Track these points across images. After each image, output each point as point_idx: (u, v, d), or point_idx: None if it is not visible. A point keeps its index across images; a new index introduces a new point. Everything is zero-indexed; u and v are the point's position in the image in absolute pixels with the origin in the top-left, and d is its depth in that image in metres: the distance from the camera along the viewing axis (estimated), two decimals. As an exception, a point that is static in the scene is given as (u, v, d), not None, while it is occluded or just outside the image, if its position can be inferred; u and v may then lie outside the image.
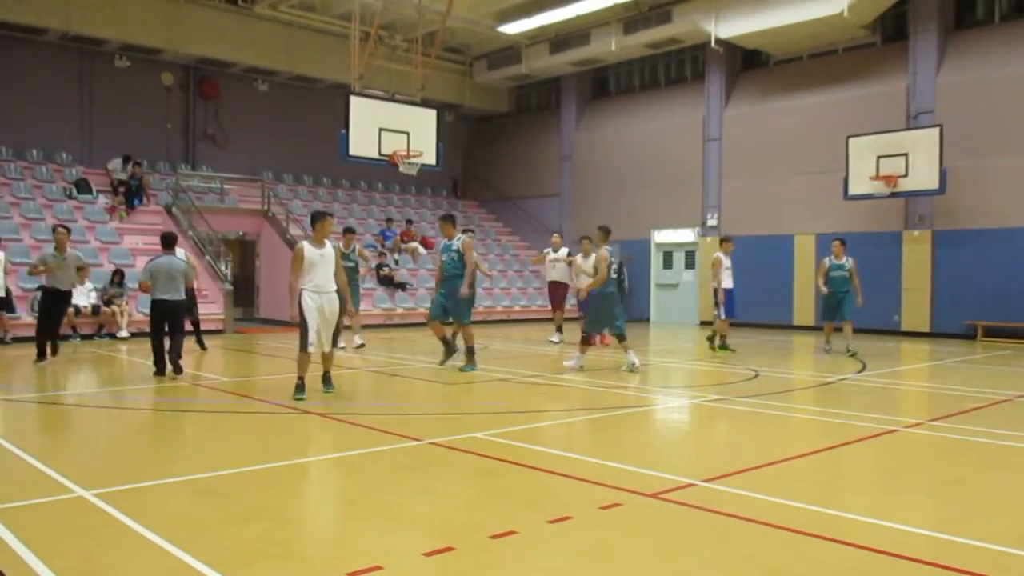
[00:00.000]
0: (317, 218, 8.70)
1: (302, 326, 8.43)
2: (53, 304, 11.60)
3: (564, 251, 16.08)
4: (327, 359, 8.91)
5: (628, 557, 3.89)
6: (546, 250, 16.29)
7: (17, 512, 4.49)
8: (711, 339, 14.09)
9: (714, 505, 4.67)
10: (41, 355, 11.50)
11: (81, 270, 10.02)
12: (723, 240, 14.41)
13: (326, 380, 8.93)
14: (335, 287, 8.70)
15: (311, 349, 8.46)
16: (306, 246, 8.58)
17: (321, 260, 8.54)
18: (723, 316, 13.81)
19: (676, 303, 22.70)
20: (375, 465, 5.77)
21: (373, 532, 4.31)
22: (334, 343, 9.23)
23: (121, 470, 5.58)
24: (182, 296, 10.50)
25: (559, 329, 15.94)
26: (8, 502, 4.66)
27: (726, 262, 13.86)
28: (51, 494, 4.84)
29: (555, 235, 16.48)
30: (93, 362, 12.47)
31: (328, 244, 8.72)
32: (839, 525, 4.39)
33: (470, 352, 11.13)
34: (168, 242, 10.66)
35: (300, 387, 8.53)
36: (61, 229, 11.62)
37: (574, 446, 6.22)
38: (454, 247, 11.16)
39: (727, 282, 13.85)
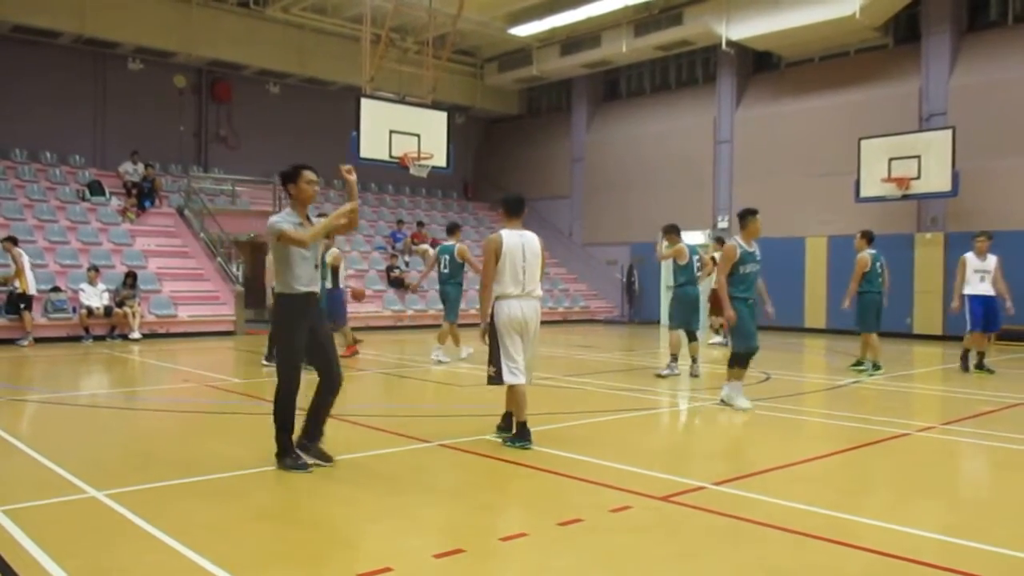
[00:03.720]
0: (519, 202, 6.63)
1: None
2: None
3: None
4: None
5: (638, 560, 3.88)
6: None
7: (30, 512, 4.52)
8: (973, 358, 11.90)
9: (724, 508, 4.66)
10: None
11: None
12: (976, 237, 11.87)
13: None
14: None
15: (508, 380, 6.41)
16: (505, 236, 6.39)
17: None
18: (968, 328, 11.67)
19: (687, 305, 22.63)
20: (385, 467, 5.77)
21: (383, 533, 4.32)
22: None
23: (133, 471, 5.61)
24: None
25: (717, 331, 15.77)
26: (21, 502, 4.69)
27: (975, 263, 11.58)
28: (64, 494, 4.87)
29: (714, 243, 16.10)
30: (105, 363, 12.54)
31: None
32: (851, 529, 4.37)
33: (674, 358, 10.94)
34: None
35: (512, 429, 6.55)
36: (309, 173, 5.83)
37: (585, 448, 6.21)
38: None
39: (974, 287, 11.52)
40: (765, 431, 7.33)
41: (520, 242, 6.38)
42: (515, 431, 6.40)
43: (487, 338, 6.51)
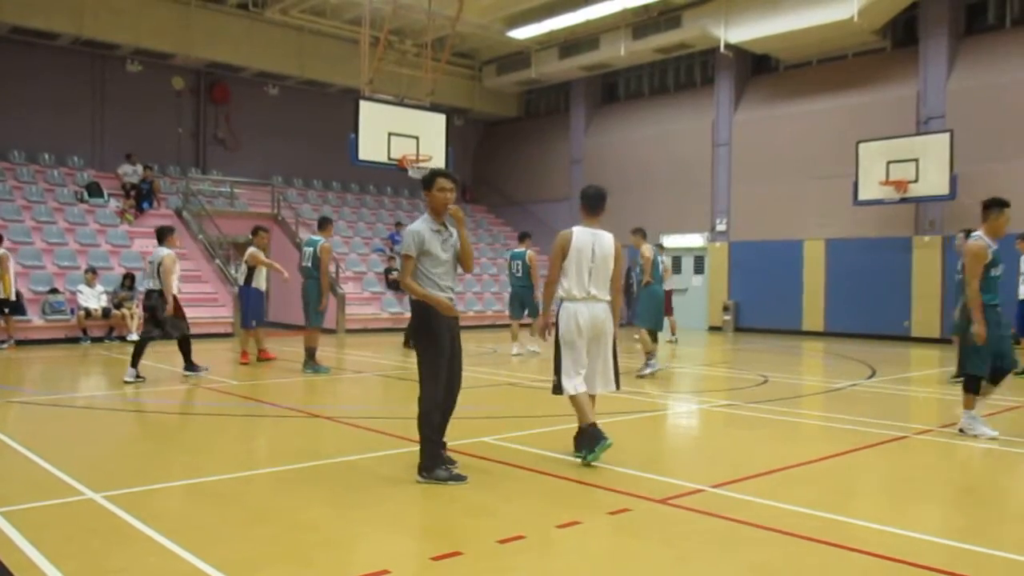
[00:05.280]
0: (599, 198, 6.11)
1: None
2: None
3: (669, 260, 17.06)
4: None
5: (636, 563, 3.88)
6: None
7: (27, 514, 4.51)
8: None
9: (723, 511, 4.66)
10: None
11: None
12: (1020, 237, 11.46)
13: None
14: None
15: (568, 389, 5.94)
16: (575, 233, 5.96)
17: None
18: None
19: (685, 308, 22.61)
20: (383, 469, 5.76)
21: (381, 536, 4.32)
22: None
23: (130, 473, 5.61)
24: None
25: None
26: (18, 504, 4.68)
27: (1020, 266, 11.08)
28: (61, 496, 4.86)
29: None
30: (103, 365, 12.53)
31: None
32: (848, 532, 4.37)
33: (649, 356, 11.17)
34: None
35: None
36: (443, 180, 5.50)
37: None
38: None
39: (1019, 291, 11.11)
40: (763, 434, 7.34)
41: (591, 241, 5.90)
42: (580, 435, 5.91)
43: (545, 336, 6.17)
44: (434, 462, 5.32)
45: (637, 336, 11.64)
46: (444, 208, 5.45)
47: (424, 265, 5.36)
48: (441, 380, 5.34)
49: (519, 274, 14.01)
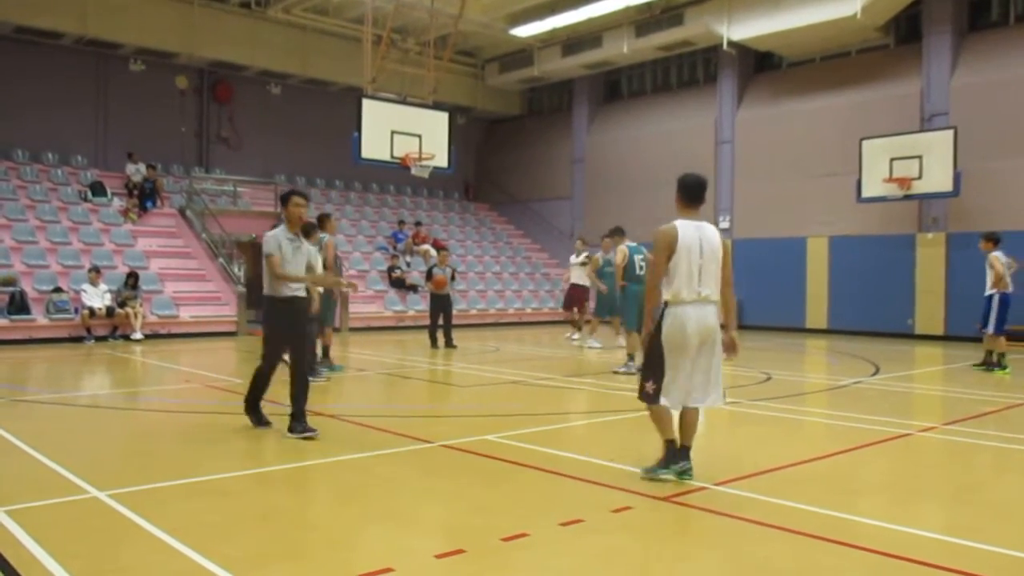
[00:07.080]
0: (699, 187, 5.51)
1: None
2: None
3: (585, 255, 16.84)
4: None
5: (639, 560, 3.88)
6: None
7: (32, 512, 4.53)
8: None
9: (726, 509, 4.66)
10: None
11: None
12: (987, 238, 12.00)
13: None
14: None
15: (663, 402, 5.35)
16: (680, 227, 5.31)
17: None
18: (990, 329, 11.98)
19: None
20: (387, 467, 5.78)
21: (384, 534, 4.32)
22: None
23: (135, 471, 5.62)
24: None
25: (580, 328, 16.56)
26: (23, 502, 4.70)
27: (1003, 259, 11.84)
28: (66, 495, 4.88)
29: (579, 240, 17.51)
30: (107, 364, 12.55)
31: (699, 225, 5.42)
32: (852, 529, 4.37)
33: (631, 357, 11.20)
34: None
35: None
36: (297, 198, 6.85)
37: (586, 449, 6.21)
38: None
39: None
40: (766, 431, 7.33)
41: (697, 235, 5.26)
42: (663, 455, 5.39)
43: (644, 346, 5.51)
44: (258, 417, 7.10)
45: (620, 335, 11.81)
46: (299, 220, 6.86)
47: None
48: (274, 360, 6.95)
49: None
